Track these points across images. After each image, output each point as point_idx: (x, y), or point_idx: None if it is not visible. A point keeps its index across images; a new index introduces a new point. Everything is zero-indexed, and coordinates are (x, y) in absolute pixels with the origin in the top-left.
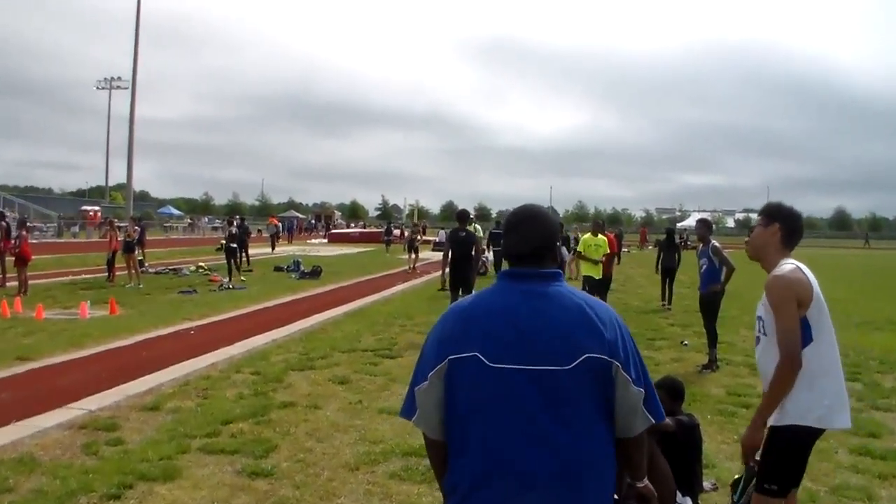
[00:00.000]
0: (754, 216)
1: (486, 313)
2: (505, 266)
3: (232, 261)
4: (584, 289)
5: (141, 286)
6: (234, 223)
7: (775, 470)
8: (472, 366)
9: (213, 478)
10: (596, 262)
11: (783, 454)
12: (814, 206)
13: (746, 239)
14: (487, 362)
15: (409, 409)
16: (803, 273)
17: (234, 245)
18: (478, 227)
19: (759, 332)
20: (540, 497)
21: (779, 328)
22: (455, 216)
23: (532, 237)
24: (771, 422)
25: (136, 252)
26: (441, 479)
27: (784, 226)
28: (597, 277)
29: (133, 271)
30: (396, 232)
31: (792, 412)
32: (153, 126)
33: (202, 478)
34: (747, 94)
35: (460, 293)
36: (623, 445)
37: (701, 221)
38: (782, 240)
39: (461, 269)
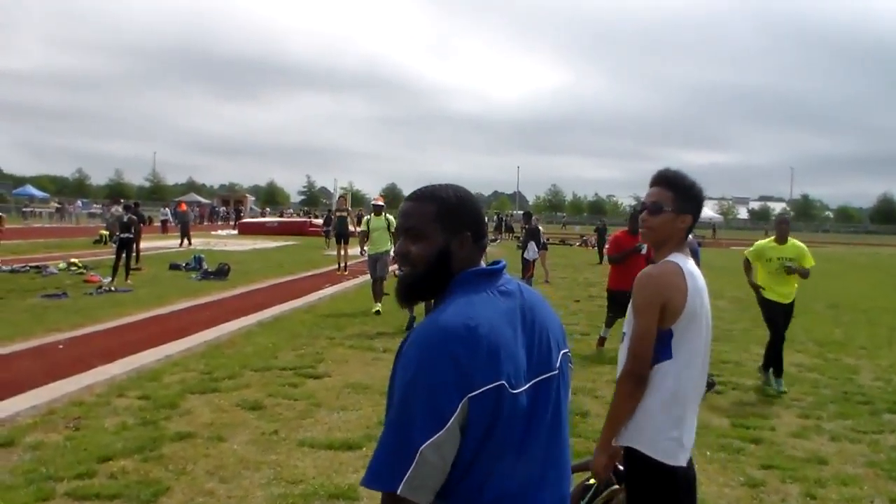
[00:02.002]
0: (772, 205)
1: (496, 327)
2: None
3: (123, 256)
4: None
5: None
6: (130, 209)
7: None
8: (496, 399)
9: None
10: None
11: (637, 480)
12: (852, 191)
13: (643, 216)
14: (511, 390)
15: (392, 475)
16: (684, 279)
17: (128, 235)
18: (390, 217)
19: (627, 328)
20: None
21: (632, 334)
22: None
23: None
24: (624, 441)
25: None
26: None
27: (695, 217)
28: (785, 303)
29: None
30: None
31: (632, 431)
32: (3, 80)
33: None
34: (770, 48)
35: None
36: None
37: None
38: (687, 232)
39: None
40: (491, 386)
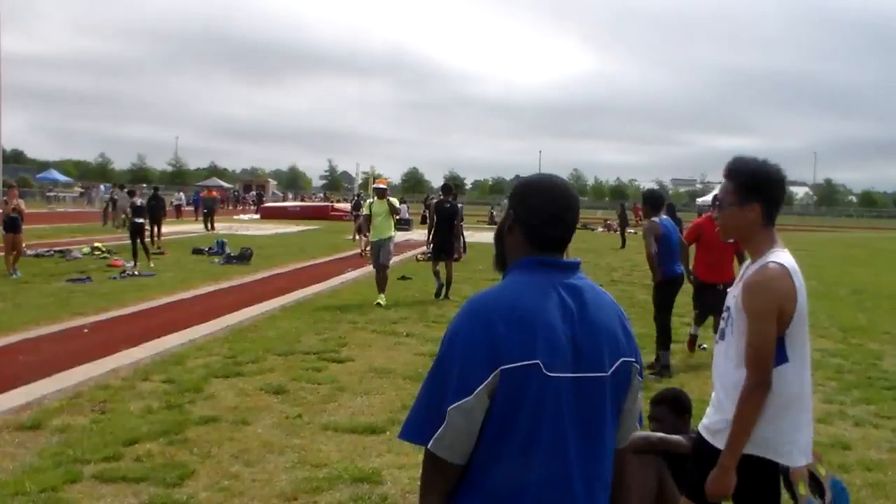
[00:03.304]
0: (795, 189)
1: (542, 311)
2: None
3: (138, 241)
4: None
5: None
6: (138, 193)
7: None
8: (528, 376)
9: None
10: None
11: (746, 488)
12: (877, 176)
13: (713, 213)
14: (546, 372)
15: (423, 431)
16: (792, 279)
17: (141, 220)
18: (393, 201)
19: (728, 326)
20: None
21: (749, 345)
22: (440, 189)
23: (574, 219)
24: (747, 451)
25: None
26: (438, 500)
27: (767, 204)
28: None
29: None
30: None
31: (754, 440)
32: (27, 65)
33: None
34: (795, 31)
35: (443, 258)
36: (617, 457)
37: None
38: (764, 219)
39: (443, 236)
40: (525, 363)
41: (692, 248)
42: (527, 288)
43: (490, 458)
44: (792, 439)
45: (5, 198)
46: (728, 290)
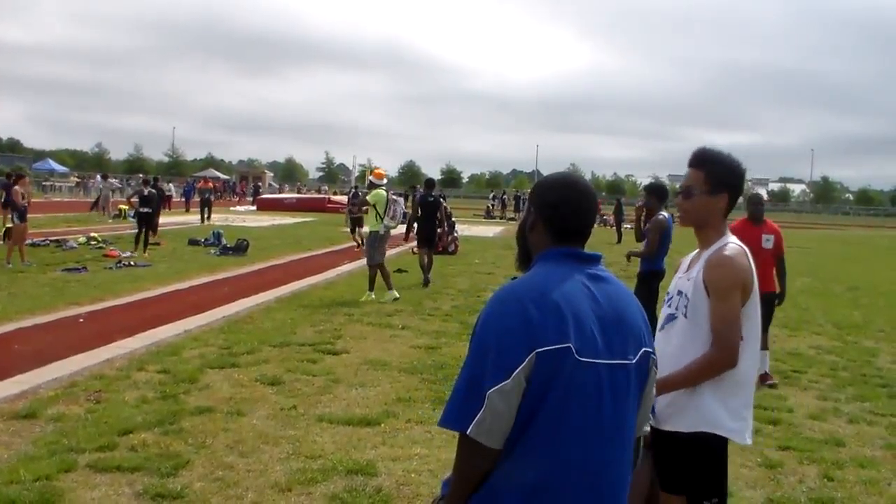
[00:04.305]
0: (792, 187)
1: (572, 298)
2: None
3: (144, 230)
4: None
5: (10, 264)
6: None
7: (686, 480)
8: (561, 359)
9: (106, 501)
10: None
11: (695, 464)
12: (873, 173)
13: (677, 200)
14: (577, 356)
15: (462, 416)
16: (748, 259)
17: (150, 210)
18: (378, 192)
19: (679, 310)
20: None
21: (719, 318)
22: (424, 183)
23: (593, 212)
24: (677, 427)
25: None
26: (471, 488)
27: (734, 195)
28: None
29: (19, 246)
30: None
31: (710, 416)
32: (23, 55)
33: (91, 502)
34: (793, 28)
35: (426, 248)
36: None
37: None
38: (727, 211)
39: (428, 227)
40: (559, 346)
41: None
42: (554, 276)
43: (524, 440)
44: (743, 416)
45: (18, 187)
46: (681, 278)
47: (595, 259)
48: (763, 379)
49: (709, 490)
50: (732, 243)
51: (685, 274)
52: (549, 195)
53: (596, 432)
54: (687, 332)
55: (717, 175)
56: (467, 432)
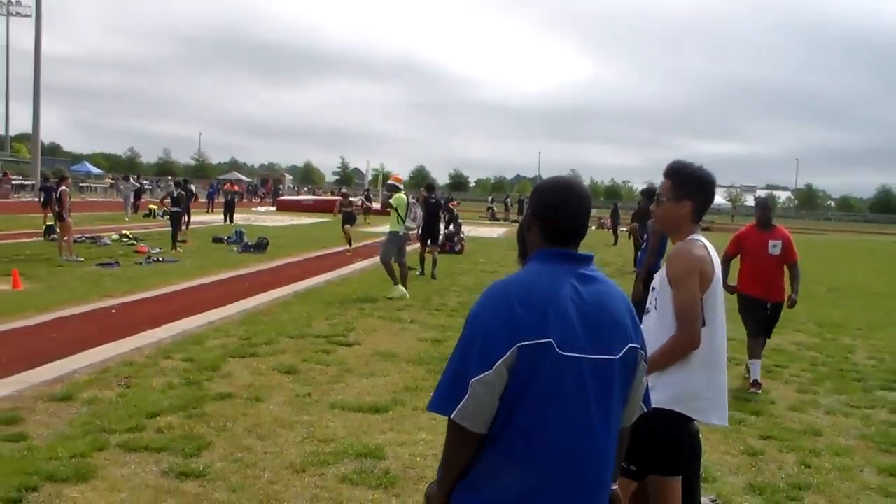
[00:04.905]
0: (778, 194)
1: (555, 296)
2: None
3: (176, 228)
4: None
5: (68, 258)
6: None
7: (637, 451)
8: (543, 353)
9: (135, 478)
10: None
11: (648, 438)
12: (854, 182)
13: (651, 207)
14: (559, 350)
15: (448, 402)
16: (709, 252)
17: (178, 209)
18: (400, 196)
19: (652, 304)
20: (582, 497)
21: (679, 302)
22: (425, 187)
23: (584, 215)
24: (661, 405)
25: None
26: (457, 470)
27: (697, 202)
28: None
29: (67, 240)
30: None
31: (670, 394)
32: (64, 65)
33: (121, 478)
34: (780, 45)
35: (428, 244)
36: (621, 434)
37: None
38: (694, 216)
39: (430, 224)
40: (540, 341)
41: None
42: (542, 275)
43: (508, 428)
44: (706, 396)
45: (64, 187)
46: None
47: (586, 259)
48: (752, 385)
49: (662, 466)
50: (690, 238)
51: (658, 273)
52: (543, 198)
53: (577, 422)
54: (657, 323)
55: (681, 184)
56: (452, 417)
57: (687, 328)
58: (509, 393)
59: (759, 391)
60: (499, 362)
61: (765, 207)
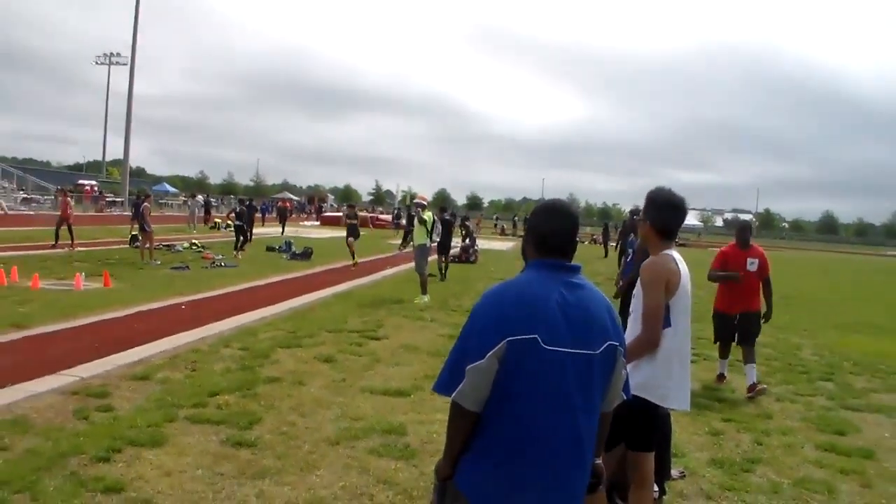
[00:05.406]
0: (743, 216)
1: (543, 299)
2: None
3: (239, 238)
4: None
5: (148, 262)
6: (244, 202)
7: (636, 434)
8: (529, 347)
9: (199, 446)
10: None
11: (626, 418)
12: (803, 208)
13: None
14: (544, 345)
15: (448, 384)
16: (676, 264)
17: (240, 223)
18: (428, 214)
19: (633, 309)
20: (561, 469)
21: (644, 307)
22: (439, 207)
23: (571, 231)
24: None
25: (134, 227)
26: (458, 443)
27: (653, 221)
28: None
29: (148, 247)
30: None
31: (639, 383)
32: (149, 103)
33: (188, 445)
34: (745, 92)
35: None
36: (602, 419)
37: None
38: (657, 234)
39: (444, 239)
40: (527, 336)
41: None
42: (532, 281)
43: (500, 410)
44: (666, 384)
45: (147, 204)
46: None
47: (574, 269)
48: (750, 389)
49: (637, 442)
50: (665, 253)
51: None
52: (535, 218)
53: (559, 408)
54: (634, 324)
55: (645, 206)
56: (451, 397)
57: (648, 331)
58: (500, 379)
59: (761, 388)
60: (490, 353)
61: (743, 229)
